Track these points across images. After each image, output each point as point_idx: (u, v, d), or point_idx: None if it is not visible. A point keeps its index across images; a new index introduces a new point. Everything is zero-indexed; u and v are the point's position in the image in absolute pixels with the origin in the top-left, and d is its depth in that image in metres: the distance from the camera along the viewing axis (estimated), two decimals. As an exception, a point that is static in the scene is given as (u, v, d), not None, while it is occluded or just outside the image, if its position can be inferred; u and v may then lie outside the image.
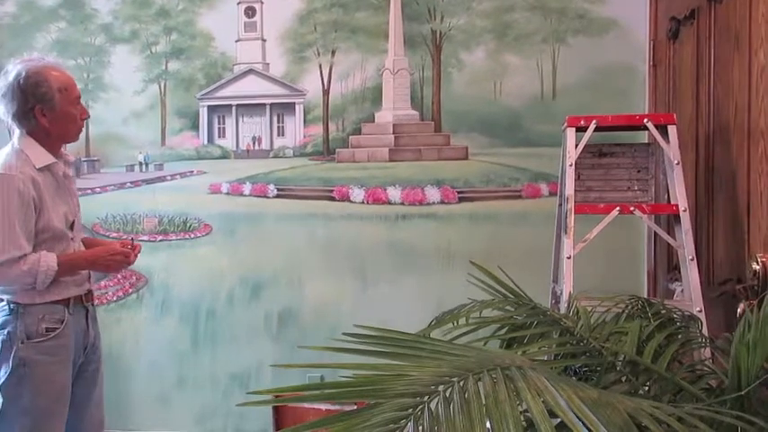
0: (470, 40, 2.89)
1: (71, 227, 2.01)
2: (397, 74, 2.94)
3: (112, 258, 2.00)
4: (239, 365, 3.01)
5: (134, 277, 3.06)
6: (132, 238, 2.13)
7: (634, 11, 2.73)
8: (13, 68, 1.92)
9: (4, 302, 1.93)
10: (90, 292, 2.08)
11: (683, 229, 1.98)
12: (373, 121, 2.97)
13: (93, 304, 2.11)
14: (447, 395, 0.83)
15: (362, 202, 2.97)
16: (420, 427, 0.80)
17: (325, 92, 2.99)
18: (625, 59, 2.77)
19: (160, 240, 3.08)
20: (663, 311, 1.52)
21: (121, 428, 2.97)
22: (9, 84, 1.90)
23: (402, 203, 2.95)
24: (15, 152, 1.91)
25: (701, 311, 1.86)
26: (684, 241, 1.97)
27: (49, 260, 1.87)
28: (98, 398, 2.13)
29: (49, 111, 1.91)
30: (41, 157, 1.92)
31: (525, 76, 2.85)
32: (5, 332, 1.91)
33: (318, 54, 2.99)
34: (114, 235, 3.07)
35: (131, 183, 3.10)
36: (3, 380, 1.90)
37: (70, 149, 2.13)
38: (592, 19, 2.80)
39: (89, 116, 2.05)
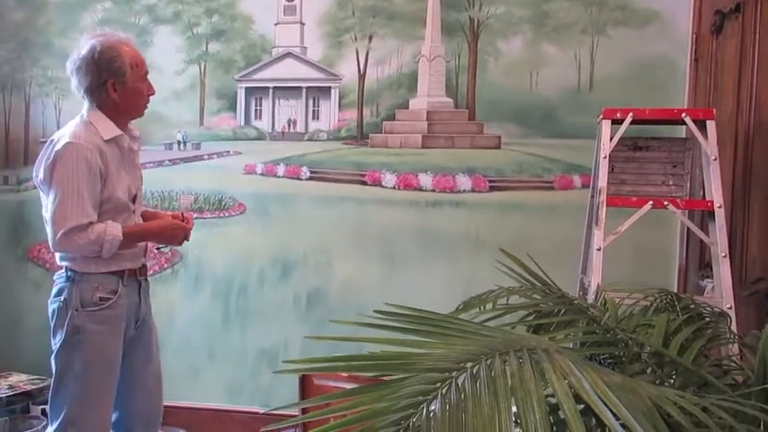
0: (508, 28, 2.88)
1: (133, 200, 2.04)
2: (433, 61, 2.95)
3: (174, 233, 2.06)
4: (268, 342, 3.09)
5: (170, 252, 3.15)
6: (182, 212, 2.18)
7: (677, 3, 2.69)
8: (87, 43, 1.95)
9: (62, 270, 1.99)
10: (144, 266, 2.11)
11: (717, 225, 1.96)
12: (407, 108, 2.99)
13: (146, 279, 2.12)
14: (474, 372, 0.85)
15: (394, 188, 3.00)
16: (447, 402, 0.82)
17: (361, 77, 3.02)
18: (666, 53, 2.72)
19: (195, 218, 3.14)
20: (692, 307, 1.51)
21: (153, 398, 3.07)
22: (83, 58, 1.93)
23: (433, 190, 2.96)
24: (84, 123, 1.95)
25: (731, 309, 1.84)
26: (718, 238, 1.95)
27: (114, 230, 1.91)
28: (156, 370, 2.17)
29: (120, 85, 1.95)
30: (109, 129, 1.96)
31: (562, 67, 2.83)
32: (61, 299, 1.96)
33: (356, 39, 3.01)
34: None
35: (169, 161, 3.19)
36: (58, 346, 1.96)
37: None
38: (633, 10, 2.76)
39: (155, 92, 2.07)
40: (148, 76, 2.05)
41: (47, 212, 1.92)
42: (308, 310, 3.06)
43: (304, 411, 2.18)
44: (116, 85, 1.95)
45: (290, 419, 0.95)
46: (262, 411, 2.95)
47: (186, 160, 3.18)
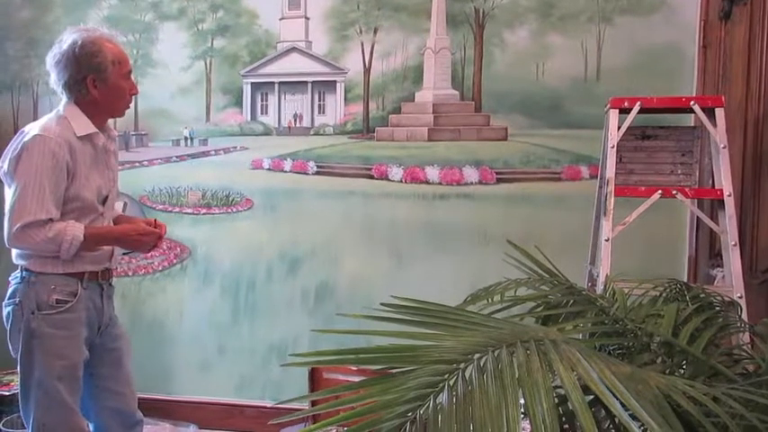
0: (514, 19, 2.86)
1: (103, 202, 1.96)
2: (439, 53, 2.94)
3: (140, 238, 1.94)
4: (277, 337, 3.10)
5: (178, 248, 3.16)
6: (155, 219, 2.05)
7: (684, -10, 2.65)
8: (69, 37, 1.89)
9: (18, 270, 1.90)
10: (108, 270, 2.00)
11: (726, 214, 1.95)
12: (413, 101, 2.98)
13: (110, 283, 2.03)
14: (481, 364, 0.85)
15: (400, 181, 2.99)
16: (454, 393, 0.82)
17: (367, 70, 3.01)
18: (673, 40, 2.69)
19: (203, 214, 3.17)
20: (702, 296, 1.50)
21: (164, 393, 3.10)
22: (64, 51, 1.87)
23: (440, 183, 2.96)
24: (58, 118, 1.89)
25: (741, 298, 1.83)
26: (728, 227, 1.94)
27: (75, 230, 1.82)
28: (127, 376, 2.07)
29: (101, 82, 1.89)
30: (84, 125, 1.89)
31: (569, 57, 2.81)
32: (15, 301, 1.87)
33: (361, 32, 3.00)
34: (160, 208, 3.18)
35: (177, 157, 3.19)
36: (19, 353, 1.88)
37: (120, 123, 2.18)
38: (640, -2, 2.73)
39: (137, 92, 2.02)
40: (132, 76, 2.00)
41: (6, 206, 1.84)
42: (316, 305, 3.07)
43: (313, 404, 2.19)
44: (96, 81, 1.89)
45: (300, 412, 0.95)
46: (270, 405, 2.97)
47: (193, 156, 3.18)
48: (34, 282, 1.86)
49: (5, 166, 1.87)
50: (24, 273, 1.89)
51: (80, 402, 1.97)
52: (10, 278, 1.94)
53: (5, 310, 1.91)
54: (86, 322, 1.93)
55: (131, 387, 2.09)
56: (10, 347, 1.92)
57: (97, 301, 1.97)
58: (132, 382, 2.10)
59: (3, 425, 2.75)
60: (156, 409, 3.01)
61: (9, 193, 1.84)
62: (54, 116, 1.91)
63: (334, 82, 3.06)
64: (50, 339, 1.85)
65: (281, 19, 3.09)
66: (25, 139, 1.84)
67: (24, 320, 1.85)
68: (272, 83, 3.12)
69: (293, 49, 3.09)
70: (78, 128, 1.88)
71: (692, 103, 2.04)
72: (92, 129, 1.91)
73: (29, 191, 1.78)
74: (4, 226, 1.84)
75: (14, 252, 1.91)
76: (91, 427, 2.07)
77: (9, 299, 1.90)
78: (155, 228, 1.98)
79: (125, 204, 3.12)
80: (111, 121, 2.08)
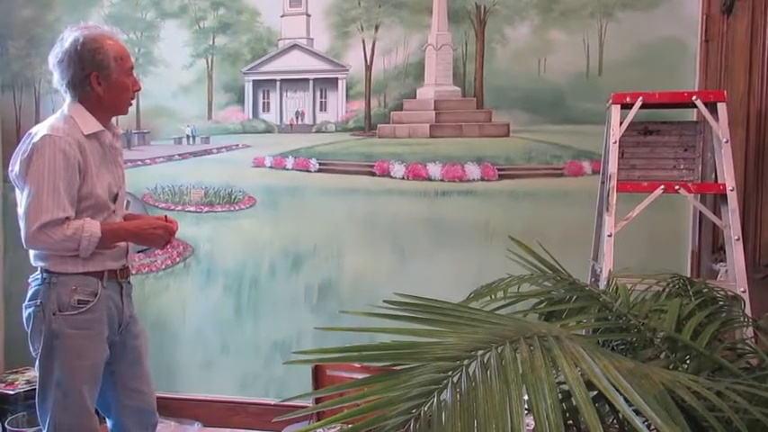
0: (515, 15, 2.85)
1: (114, 199, 1.96)
2: (440, 49, 2.93)
3: (155, 232, 1.95)
4: (280, 334, 3.11)
5: (181, 246, 3.17)
6: (166, 216, 2.06)
7: (687, -16, 2.65)
8: (70, 35, 1.89)
9: (38, 272, 1.90)
10: (126, 267, 2.01)
11: (729, 208, 1.94)
12: (415, 97, 2.98)
13: (128, 281, 2.04)
14: (485, 360, 0.85)
15: (402, 178, 2.99)
16: (457, 390, 0.82)
17: (368, 67, 3.01)
18: (675, 35, 2.69)
19: (206, 212, 3.17)
20: (705, 291, 1.50)
21: (167, 391, 3.10)
22: (66, 50, 1.87)
23: (442, 180, 2.96)
24: (64, 117, 1.89)
25: (744, 292, 1.83)
26: (731, 221, 1.93)
27: (92, 227, 1.83)
28: (146, 374, 2.08)
29: (104, 79, 1.89)
30: (90, 124, 1.89)
31: (570, 52, 2.80)
32: (37, 302, 1.87)
33: (362, 29, 3.00)
34: (162, 206, 3.18)
35: (179, 155, 3.19)
36: (38, 353, 1.88)
37: (122, 121, 2.18)
38: (642, -8, 2.72)
39: (140, 88, 2.03)
40: (134, 72, 2.00)
41: (21, 207, 1.83)
42: (319, 302, 3.07)
43: (317, 401, 2.20)
44: (100, 77, 1.88)
45: (304, 410, 0.95)
46: (273, 402, 2.98)
47: (195, 154, 3.19)
48: (55, 283, 1.86)
49: (17, 169, 1.86)
50: (45, 274, 1.88)
51: (100, 400, 1.98)
52: (30, 279, 1.93)
53: (26, 312, 1.91)
54: (107, 321, 1.94)
55: (150, 385, 2.10)
56: (30, 348, 1.92)
57: (117, 300, 1.97)
58: (151, 381, 2.11)
59: (8, 423, 2.77)
60: (160, 406, 2.98)
61: (22, 196, 1.83)
62: (60, 116, 1.91)
63: (336, 79, 3.05)
64: (72, 340, 1.86)
65: (282, 16, 3.09)
66: (34, 140, 1.83)
67: (46, 322, 1.85)
68: (274, 80, 3.12)
69: (294, 47, 3.08)
70: (85, 126, 1.88)
71: (693, 97, 2.04)
72: (98, 126, 1.91)
73: (43, 191, 1.77)
74: (21, 228, 1.83)
75: (32, 253, 1.91)
76: (109, 423, 2.08)
77: (30, 300, 1.90)
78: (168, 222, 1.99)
79: (128, 203, 3.13)
80: (113, 119, 2.07)
